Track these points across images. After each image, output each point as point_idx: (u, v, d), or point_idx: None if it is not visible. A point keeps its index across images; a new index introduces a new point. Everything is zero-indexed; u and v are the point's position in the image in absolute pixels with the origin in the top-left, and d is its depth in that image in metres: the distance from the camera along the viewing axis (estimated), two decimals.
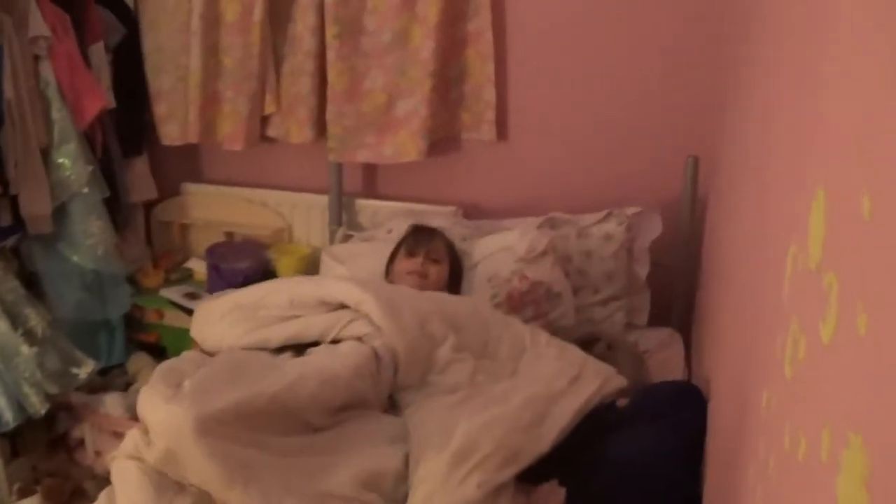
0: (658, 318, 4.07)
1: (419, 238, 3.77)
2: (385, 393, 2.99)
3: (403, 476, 2.66)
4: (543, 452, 2.69)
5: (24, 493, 3.59)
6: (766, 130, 2.14)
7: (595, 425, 2.85)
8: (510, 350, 3.17)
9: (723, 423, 2.41)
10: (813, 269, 1.32)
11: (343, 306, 3.14)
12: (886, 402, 0.92)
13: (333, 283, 3.25)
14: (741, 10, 3.38)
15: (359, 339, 3.02)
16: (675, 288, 4.10)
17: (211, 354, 3.19)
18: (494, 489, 2.56)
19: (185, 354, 3.19)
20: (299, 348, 3.10)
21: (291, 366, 2.86)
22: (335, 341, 3.04)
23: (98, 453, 3.64)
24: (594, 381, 3.00)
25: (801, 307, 1.39)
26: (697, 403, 2.81)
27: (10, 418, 3.53)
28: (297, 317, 3.15)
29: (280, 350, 3.10)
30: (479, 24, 4.07)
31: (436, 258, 3.70)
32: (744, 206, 2.46)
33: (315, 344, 3.08)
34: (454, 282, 3.77)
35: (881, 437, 0.94)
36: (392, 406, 3.03)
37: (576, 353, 3.20)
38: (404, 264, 3.70)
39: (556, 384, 2.94)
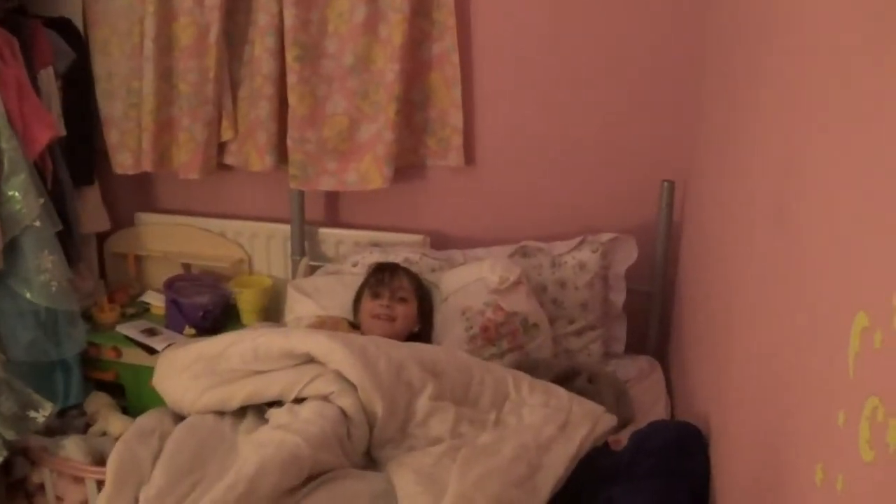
0: (634, 344, 4.02)
1: (382, 278, 3.66)
2: (359, 452, 2.84)
3: None
4: None
5: None
6: (788, 172, 2.03)
7: (592, 472, 2.76)
8: (492, 396, 3.02)
9: (741, 477, 2.30)
10: None
11: (311, 360, 2.97)
12: None
13: (301, 334, 3.07)
14: (716, 30, 3.32)
15: (324, 397, 2.84)
16: (651, 314, 4.05)
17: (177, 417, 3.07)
18: None
19: (143, 423, 3.02)
20: (262, 407, 2.96)
21: (250, 447, 2.68)
22: (299, 399, 2.88)
23: (59, 499, 3.50)
24: (584, 424, 2.91)
25: (885, 388, 1.28)
26: (699, 448, 2.71)
27: None
28: (260, 372, 2.99)
29: (242, 410, 2.96)
30: (445, 46, 3.99)
31: (402, 296, 3.61)
32: (758, 245, 2.34)
33: (279, 402, 2.93)
34: (424, 317, 3.68)
35: None
36: (370, 462, 2.88)
37: (561, 396, 3.08)
38: (369, 307, 3.60)
39: (546, 431, 2.84)
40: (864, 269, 1.40)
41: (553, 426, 2.87)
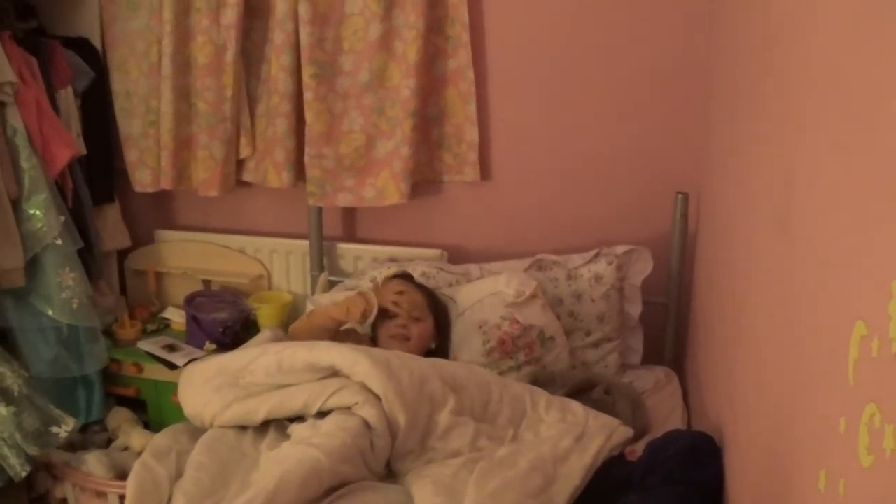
0: (650, 355, 4.03)
1: (397, 299, 3.65)
2: (381, 464, 2.84)
3: None
4: None
5: None
6: (791, 186, 2.05)
7: (607, 482, 2.78)
8: (510, 413, 3.05)
9: (751, 485, 2.32)
10: None
11: (334, 374, 2.98)
12: None
13: (325, 347, 3.06)
14: (723, 43, 3.34)
15: (348, 409, 2.85)
16: (667, 325, 4.05)
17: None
18: None
19: (158, 443, 3.03)
20: (284, 423, 2.98)
21: (270, 463, 2.70)
22: (323, 413, 2.89)
23: None
24: (600, 435, 2.93)
25: (882, 394, 1.31)
26: (713, 457, 2.72)
27: None
28: (284, 385, 3.00)
29: (264, 426, 2.98)
30: (460, 62, 4.02)
31: (417, 316, 3.60)
32: (764, 255, 2.36)
33: (302, 419, 2.95)
34: (441, 334, 3.69)
35: None
36: (390, 474, 2.89)
37: (577, 410, 3.11)
38: (387, 327, 3.59)
39: (562, 444, 2.86)
40: (862, 279, 1.42)
41: (569, 438, 2.88)
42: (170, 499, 2.73)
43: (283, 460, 2.65)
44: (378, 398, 2.84)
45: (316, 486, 2.60)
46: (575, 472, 2.74)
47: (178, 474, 2.82)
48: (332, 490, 2.65)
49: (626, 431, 3.02)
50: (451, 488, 2.62)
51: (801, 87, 2.02)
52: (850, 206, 1.54)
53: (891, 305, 1.27)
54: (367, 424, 2.80)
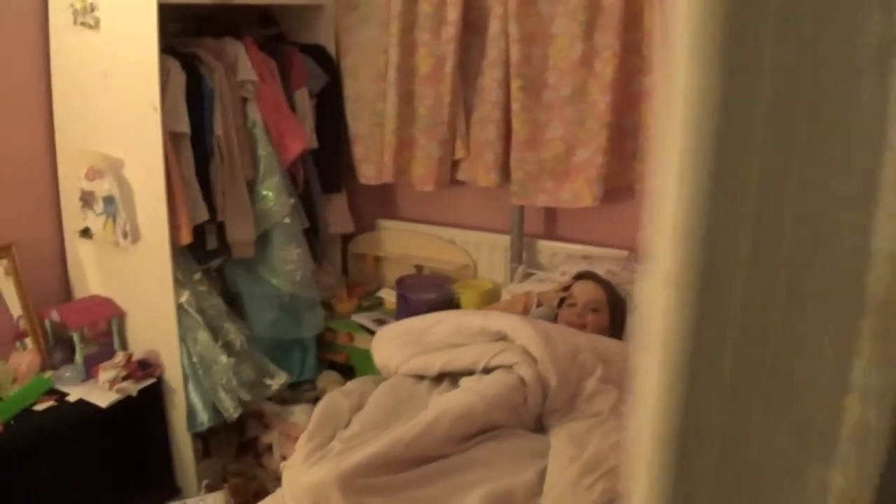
0: None
1: (580, 288, 3.94)
2: (532, 417, 3.19)
3: (535, 490, 2.86)
4: None
5: (211, 489, 3.91)
6: None
7: None
8: None
9: None
10: None
11: (502, 338, 3.39)
12: None
13: (497, 315, 3.52)
14: None
15: (509, 367, 3.22)
16: None
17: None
18: (618, 498, 2.78)
19: (348, 385, 3.53)
20: (458, 377, 3.35)
21: (434, 403, 3.10)
22: (488, 370, 3.27)
23: (284, 458, 3.89)
24: None
25: None
26: None
27: (204, 420, 3.89)
28: (458, 345, 3.42)
29: (439, 378, 3.38)
30: (654, 80, 4.23)
31: (595, 307, 3.84)
32: None
33: (472, 372, 3.33)
34: (615, 326, 3.91)
35: None
36: (539, 428, 3.22)
37: None
38: (565, 313, 3.87)
39: None
40: None
41: None
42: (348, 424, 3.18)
43: (445, 399, 3.10)
44: (535, 361, 3.22)
45: (468, 424, 2.99)
46: None
47: (360, 408, 3.27)
48: (485, 431, 3.05)
49: None
50: (581, 440, 2.96)
51: None
52: None
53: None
54: (523, 381, 3.17)
